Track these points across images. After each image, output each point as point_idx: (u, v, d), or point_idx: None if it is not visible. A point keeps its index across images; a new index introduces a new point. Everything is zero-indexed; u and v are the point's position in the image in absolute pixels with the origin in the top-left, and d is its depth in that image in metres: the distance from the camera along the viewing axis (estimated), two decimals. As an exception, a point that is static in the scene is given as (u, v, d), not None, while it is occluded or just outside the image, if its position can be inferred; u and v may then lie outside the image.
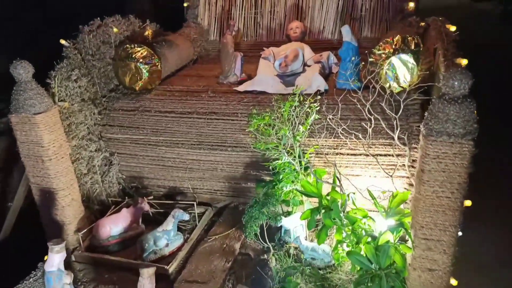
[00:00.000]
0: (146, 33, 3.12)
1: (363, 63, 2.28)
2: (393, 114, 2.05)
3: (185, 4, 3.64)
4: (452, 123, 1.52)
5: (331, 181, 2.08)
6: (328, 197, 1.99)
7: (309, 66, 2.80)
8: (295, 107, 2.15)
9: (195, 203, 2.51)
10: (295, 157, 2.17)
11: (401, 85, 2.16)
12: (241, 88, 2.64)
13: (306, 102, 2.19)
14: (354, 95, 2.19)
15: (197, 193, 2.74)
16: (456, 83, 1.50)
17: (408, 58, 2.12)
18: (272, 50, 2.87)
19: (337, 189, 2.03)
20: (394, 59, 2.14)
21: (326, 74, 2.78)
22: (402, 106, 2.00)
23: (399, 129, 2.07)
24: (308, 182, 2.07)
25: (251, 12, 3.52)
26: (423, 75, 2.13)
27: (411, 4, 3.07)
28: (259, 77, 2.66)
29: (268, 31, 3.50)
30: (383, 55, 2.15)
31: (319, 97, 2.25)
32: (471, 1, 8.66)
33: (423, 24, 2.90)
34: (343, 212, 1.96)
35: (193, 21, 3.59)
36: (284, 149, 2.17)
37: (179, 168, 2.64)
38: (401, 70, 2.14)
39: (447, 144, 1.54)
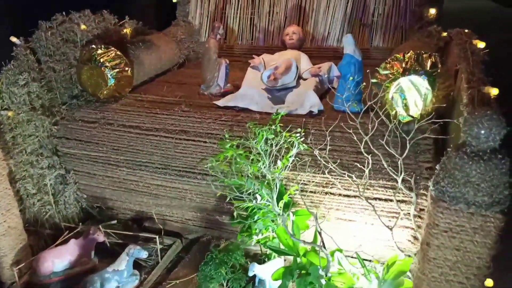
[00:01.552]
0: (125, 31, 2.74)
1: (364, 84, 1.84)
2: (397, 153, 1.61)
3: (174, 0, 3.24)
4: (473, 187, 1.08)
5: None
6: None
7: (304, 79, 2.37)
8: (272, 138, 1.72)
9: (157, 237, 2.12)
10: (272, 197, 1.75)
11: (410, 114, 1.71)
12: (221, 102, 2.23)
13: (287, 133, 1.76)
14: (352, 123, 1.76)
15: (166, 221, 2.35)
16: (482, 132, 1.07)
17: (422, 81, 1.67)
18: (263, 58, 2.44)
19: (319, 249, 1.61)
20: (403, 81, 1.69)
21: (325, 90, 2.35)
22: (408, 145, 1.56)
23: (404, 171, 1.63)
24: (284, 231, 1.65)
25: (248, 12, 3.10)
26: (439, 103, 1.68)
27: (432, 11, 2.60)
28: (243, 91, 2.25)
29: (266, 34, 3.08)
30: (390, 75, 1.71)
31: (299, 130, 1.79)
32: (500, 6, 8.02)
33: (445, 34, 2.45)
34: (326, 275, 1.54)
35: (183, 19, 3.20)
36: (251, 193, 1.73)
37: (143, 193, 2.25)
38: (411, 95, 1.70)
39: (465, 215, 1.11)
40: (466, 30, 1.99)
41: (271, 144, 1.71)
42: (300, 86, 2.27)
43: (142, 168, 2.16)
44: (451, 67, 1.91)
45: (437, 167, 1.23)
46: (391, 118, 1.71)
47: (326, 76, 2.40)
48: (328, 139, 1.75)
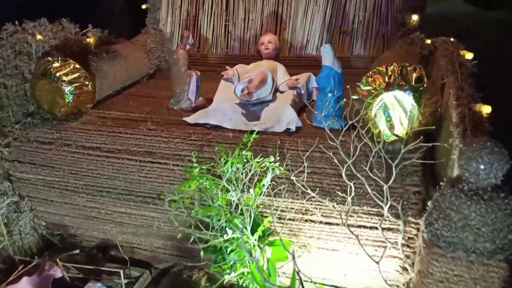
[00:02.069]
0: (87, 41, 2.52)
1: (345, 100, 1.68)
2: (382, 177, 1.45)
3: (143, 6, 3.04)
4: (473, 231, 0.93)
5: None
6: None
7: (281, 92, 2.20)
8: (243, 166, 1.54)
9: (121, 272, 1.91)
10: (245, 228, 1.57)
11: (395, 133, 1.56)
12: (191, 119, 2.05)
13: (265, 159, 1.58)
14: (332, 143, 1.60)
15: (133, 249, 2.15)
16: (482, 167, 0.91)
17: (407, 98, 1.52)
18: (236, 69, 2.27)
19: None
20: (387, 97, 1.54)
21: (303, 104, 2.19)
22: (394, 171, 1.41)
23: (389, 196, 1.47)
24: (257, 272, 1.46)
25: (222, 19, 2.93)
26: (425, 121, 1.54)
27: (414, 17, 2.48)
28: (215, 106, 2.07)
29: (241, 42, 2.91)
30: (372, 91, 1.56)
31: (272, 157, 1.61)
32: (480, 9, 8.04)
33: (428, 41, 2.33)
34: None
35: (153, 27, 3.00)
36: (219, 229, 1.54)
37: (106, 220, 2.04)
38: (396, 112, 1.55)
39: (464, 264, 0.95)
40: (452, 39, 1.86)
41: (242, 172, 1.53)
42: (276, 100, 2.10)
43: (103, 194, 1.95)
44: (437, 80, 1.77)
45: (429, 204, 1.07)
46: (375, 137, 1.55)
47: (304, 88, 2.24)
48: (306, 164, 1.58)
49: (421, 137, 1.48)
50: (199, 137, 1.90)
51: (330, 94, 1.71)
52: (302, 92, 2.21)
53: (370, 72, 1.62)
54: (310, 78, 2.35)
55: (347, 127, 1.56)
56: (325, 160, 1.67)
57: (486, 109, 1.31)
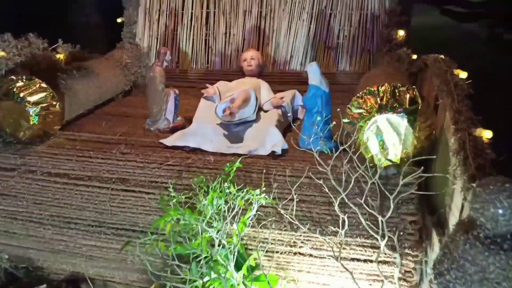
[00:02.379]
0: (57, 57, 2.36)
1: (334, 122, 1.56)
2: (376, 206, 1.34)
3: (118, 20, 2.89)
4: (492, 286, 0.81)
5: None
6: None
7: (265, 111, 2.08)
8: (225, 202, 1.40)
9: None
10: (229, 265, 1.42)
11: (389, 158, 1.45)
12: (168, 141, 1.90)
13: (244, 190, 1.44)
14: (322, 169, 1.48)
15: (106, 282, 1.96)
16: (501, 212, 0.80)
17: (400, 121, 1.42)
18: (218, 87, 2.14)
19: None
20: (379, 120, 1.44)
21: (288, 123, 2.07)
22: (392, 205, 1.29)
23: (385, 228, 1.35)
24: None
25: (202, 33, 2.81)
26: (421, 145, 1.44)
27: (401, 33, 2.41)
28: (195, 127, 1.93)
29: (223, 57, 2.79)
30: (364, 114, 1.45)
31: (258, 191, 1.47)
32: (457, 22, 8.20)
33: (414, 57, 2.26)
34: None
35: (129, 41, 2.85)
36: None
37: (75, 254, 1.86)
38: (389, 136, 1.44)
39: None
40: (443, 57, 1.78)
41: (224, 208, 1.39)
42: (260, 120, 1.98)
43: (71, 226, 1.77)
44: (430, 100, 1.68)
45: (439, 251, 0.95)
46: (367, 162, 1.44)
47: (289, 106, 2.13)
48: (295, 192, 1.46)
49: (417, 163, 1.38)
50: (178, 161, 1.76)
51: (318, 118, 1.59)
52: (288, 111, 2.10)
53: (361, 93, 1.52)
54: (295, 95, 2.24)
55: (338, 151, 1.44)
56: (315, 187, 1.55)
57: (487, 134, 1.22)
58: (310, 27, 2.63)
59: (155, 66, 2.07)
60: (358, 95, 1.53)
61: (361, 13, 2.54)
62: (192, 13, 2.79)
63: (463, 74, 1.54)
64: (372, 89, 1.50)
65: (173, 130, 2.05)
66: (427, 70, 1.88)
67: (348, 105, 1.53)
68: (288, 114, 2.08)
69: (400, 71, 2.17)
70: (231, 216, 1.39)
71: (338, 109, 1.57)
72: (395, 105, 1.43)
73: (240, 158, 1.45)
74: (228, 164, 1.49)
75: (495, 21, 6.56)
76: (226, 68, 2.78)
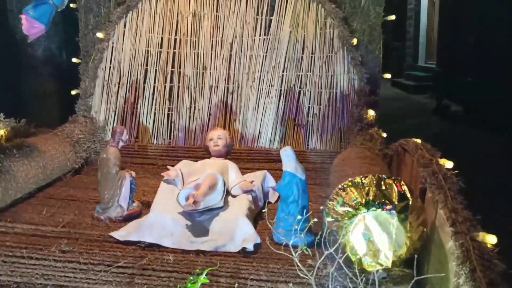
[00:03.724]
0: (-3, 133, 2.08)
1: (310, 215, 1.37)
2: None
3: (72, 92, 2.69)
4: None
5: None
6: None
7: (234, 196, 1.87)
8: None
9: None
10: None
11: (379, 261, 1.26)
12: (120, 234, 1.62)
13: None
14: (301, 272, 1.25)
15: None
16: None
17: (390, 219, 1.25)
18: (180, 169, 1.92)
19: None
20: (367, 219, 1.26)
21: (260, 209, 1.87)
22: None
23: None
24: None
25: (164, 108, 2.65)
26: (413, 246, 1.26)
27: (371, 113, 2.37)
28: (153, 218, 1.67)
29: (186, 133, 2.62)
30: (349, 211, 1.27)
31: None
32: (407, 93, 8.67)
33: (384, 135, 2.21)
34: None
35: (84, 114, 2.62)
36: None
37: None
38: (378, 236, 1.26)
39: None
40: (420, 142, 1.69)
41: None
42: (228, 208, 1.76)
43: None
44: (414, 190, 1.54)
45: None
46: (354, 265, 1.24)
47: (260, 190, 1.94)
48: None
49: (407, 265, 1.19)
50: (130, 262, 1.47)
51: (298, 216, 1.39)
52: (258, 195, 1.90)
53: (343, 184, 1.36)
54: (266, 177, 2.07)
55: (318, 249, 1.23)
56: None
57: (492, 239, 1.07)
58: (279, 104, 2.56)
59: (109, 147, 1.85)
60: (340, 186, 1.36)
61: (330, 91, 2.51)
62: (154, 86, 2.65)
63: (448, 164, 1.43)
64: (355, 180, 1.34)
65: (127, 218, 1.80)
66: (405, 154, 1.79)
67: (329, 198, 1.35)
68: (260, 201, 1.89)
69: (375, 152, 2.09)
70: None
71: (322, 207, 1.38)
72: (383, 200, 1.27)
73: (206, 271, 1.20)
74: (191, 278, 1.22)
75: (441, 94, 7.02)
76: (190, 144, 2.61)
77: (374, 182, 1.33)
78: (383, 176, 1.35)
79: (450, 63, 6.84)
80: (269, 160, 2.45)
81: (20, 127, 2.22)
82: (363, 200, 1.28)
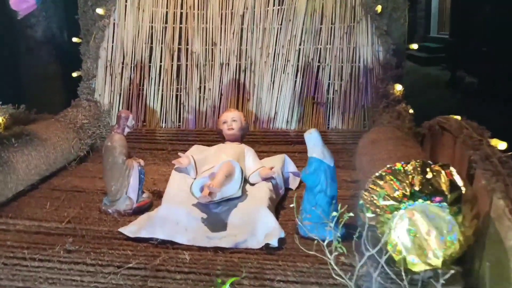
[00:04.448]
0: (-4, 120, 1.93)
1: (342, 208, 1.20)
2: None
3: (74, 74, 2.52)
4: None
5: None
6: None
7: (252, 185, 1.71)
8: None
9: None
10: None
11: (428, 261, 1.09)
12: (130, 230, 1.48)
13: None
14: (335, 271, 1.09)
15: None
16: None
17: (441, 213, 1.07)
18: (192, 156, 1.75)
19: None
20: (414, 212, 1.08)
21: (281, 196, 1.71)
22: None
23: None
24: None
25: (172, 88, 2.47)
26: (467, 243, 1.09)
27: (398, 87, 2.17)
28: (165, 211, 1.52)
29: (197, 115, 2.45)
30: (392, 205, 1.10)
31: None
32: (418, 66, 8.36)
33: (411, 111, 2.02)
34: None
35: (87, 98, 2.46)
36: None
37: None
38: (427, 233, 1.09)
39: None
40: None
41: None
42: (247, 198, 1.60)
43: None
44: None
45: None
46: (397, 266, 1.07)
47: (280, 177, 1.77)
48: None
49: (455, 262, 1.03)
50: (142, 262, 1.33)
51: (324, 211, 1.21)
52: (279, 183, 1.74)
53: (381, 172, 1.18)
54: (285, 161, 1.90)
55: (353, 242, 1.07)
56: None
57: None
58: (296, 81, 2.37)
59: (114, 134, 1.68)
60: (377, 174, 1.19)
61: (352, 65, 2.32)
62: (161, 66, 2.47)
63: (501, 145, 1.24)
64: (396, 167, 1.16)
65: (137, 211, 1.66)
66: (444, 134, 1.59)
67: (366, 188, 1.18)
68: (281, 189, 1.72)
69: (404, 131, 1.91)
70: None
71: (361, 201, 1.20)
72: (431, 191, 1.09)
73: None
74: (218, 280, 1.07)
75: (455, 65, 6.72)
76: (201, 126, 2.45)
77: (419, 169, 1.15)
78: (428, 161, 1.16)
79: (465, 33, 6.50)
80: (286, 142, 2.30)
81: (19, 113, 2.07)
82: (408, 191, 1.10)
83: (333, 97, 2.34)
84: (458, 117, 1.57)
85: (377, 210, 1.13)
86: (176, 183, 1.67)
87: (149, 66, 2.46)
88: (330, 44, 2.32)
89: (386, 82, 2.18)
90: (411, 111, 2.12)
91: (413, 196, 1.09)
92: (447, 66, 7.38)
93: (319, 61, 2.35)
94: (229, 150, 1.77)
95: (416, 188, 1.10)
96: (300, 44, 2.34)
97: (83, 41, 2.54)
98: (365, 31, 2.26)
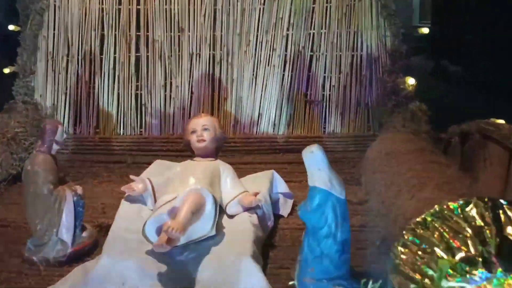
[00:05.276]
0: None
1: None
2: None
3: (5, 70, 2.07)
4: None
5: None
6: None
7: (230, 217, 1.28)
8: None
9: None
10: None
11: None
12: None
13: None
14: None
15: None
16: None
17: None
18: (150, 179, 1.32)
19: None
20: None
21: (269, 229, 1.31)
22: None
23: None
24: None
25: (131, 86, 2.06)
26: None
27: (410, 81, 1.83)
28: (105, 264, 1.09)
29: (162, 119, 2.05)
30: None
31: None
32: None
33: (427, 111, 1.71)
34: None
35: (25, 99, 2.04)
36: None
37: None
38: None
39: None
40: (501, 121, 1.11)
41: None
42: (224, 239, 1.20)
43: None
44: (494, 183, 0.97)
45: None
46: None
47: (268, 204, 1.36)
48: None
49: None
50: None
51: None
52: (267, 212, 1.33)
53: (425, 216, 0.77)
54: (273, 179, 1.48)
55: None
56: None
57: None
58: (284, 75, 2.01)
59: (36, 153, 1.24)
60: (418, 220, 0.78)
61: (353, 54, 1.96)
62: (115, 58, 2.06)
63: None
64: (450, 207, 0.75)
65: (74, 257, 1.26)
66: (486, 143, 1.20)
67: (403, 243, 0.77)
68: (269, 221, 1.31)
69: (421, 137, 1.53)
70: None
71: (377, 241, 0.81)
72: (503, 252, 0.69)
73: None
74: None
75: (439, 54, 6.82)
76: (167, 132, 2.05)
77: (486, 212, 0.74)
78: (499, 200, 0.76)
79: (447, 21, 6.58)
80: (273, 151, 1.96)
81: None
82: (476, 255, 0.68)
83: (329, 94, 1.99)
84: (502, 121, 1.19)
85: (426, 280, 0.71)
86: (124, 221, 1.24)
87: (101, 59, 2.06)
88: (325, 29, 1.97)
89: (395, 75, 1.86)
90: (426, 109, 1.78)
91: (486, 265, 0.68)
92: (430, 55, 7.38)
93: (312, 50, 2.01)
94: (199, 170, 1.33)
95: (492, 251, 0.68)
96: (288, 29, 1.99)
97: (22, 29, 2.10)
98: (369, 11, 1.91)
